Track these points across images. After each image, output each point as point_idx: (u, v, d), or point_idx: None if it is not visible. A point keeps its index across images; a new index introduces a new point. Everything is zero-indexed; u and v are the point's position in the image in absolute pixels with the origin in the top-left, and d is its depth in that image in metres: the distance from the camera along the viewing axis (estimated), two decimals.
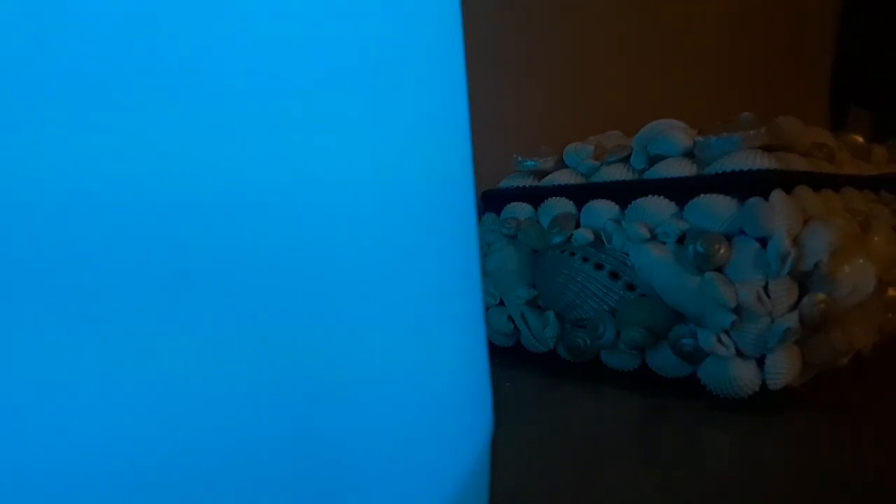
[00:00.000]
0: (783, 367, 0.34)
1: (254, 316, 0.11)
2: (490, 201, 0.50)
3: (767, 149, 0.37)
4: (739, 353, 0.35)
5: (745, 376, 0.35)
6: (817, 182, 0.38)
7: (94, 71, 0.09)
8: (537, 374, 0.44)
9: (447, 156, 0.16)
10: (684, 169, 0.39)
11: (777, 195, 0.34)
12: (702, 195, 0.37)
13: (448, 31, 0.16)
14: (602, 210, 0.42)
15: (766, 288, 0.34)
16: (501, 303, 0.48)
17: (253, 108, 0.11)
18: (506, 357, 0.47)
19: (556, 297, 0.43)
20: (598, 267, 0.41)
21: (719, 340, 0.35)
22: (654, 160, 0.41)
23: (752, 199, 0.35)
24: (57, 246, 0.09)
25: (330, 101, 0.12)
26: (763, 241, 0.34)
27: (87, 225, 0.09)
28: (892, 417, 0.35)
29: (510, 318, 0.47)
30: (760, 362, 0.35)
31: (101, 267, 0.09)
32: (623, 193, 0.41)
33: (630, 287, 0.40)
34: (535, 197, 0.46)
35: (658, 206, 0.39)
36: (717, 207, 0.36)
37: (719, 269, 0.36)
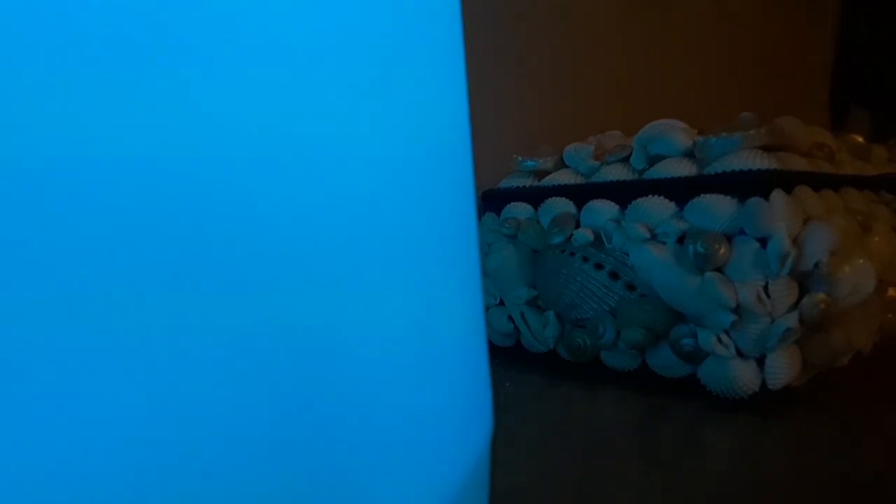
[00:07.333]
0: (783, 367, 0.34)
1: (253, 315, 0.11)
2: (490, 201, 0.50)
3: (767, 149, 0.37)
4: (739, 353, 0.35)
5: (745, 376, 0.35)
6: (817, 182, 0.38)
7: (99, 66, 0.09)
8: (537, 374, 0.44)
9: (447, 156, 0.16)
10: (684, 169, 0.39)
11: (777, 195, 0.34)
12: (702, 195, 0.37)
13: (448, 30, 0.16)
14: (602, 210, 0.42)
15: (766, 288, 0.34)
16: (501, 303, 0.48)
17: (252, 106, 0.11)
18: (506, 357, 0.47)
19: (556, 297, 0.43)
20: (598, 267, 0.41)
21: (719, 340, 0.35)
22: (654, 160, 0.41)
23: (752, 199, 0.35)
24: (59, 243, 0.09)
25: (329, 100, 0.12)
26: (763, 241, 0.34)
27: (89, 220, 0.09)
28: (893, 417, 0.35)
29: (510, 318, 0.47)
30: (760, 362, 0.35)
31: (100, 263, 0.09)
32: (623, 193, 0.41)
33: (630, 287, 0.40)
34: (535, 197, 0.46)
35: (658, 206, 0.39)
36: (717, 207, 0.36)
37: (719, 269, 0.36)
